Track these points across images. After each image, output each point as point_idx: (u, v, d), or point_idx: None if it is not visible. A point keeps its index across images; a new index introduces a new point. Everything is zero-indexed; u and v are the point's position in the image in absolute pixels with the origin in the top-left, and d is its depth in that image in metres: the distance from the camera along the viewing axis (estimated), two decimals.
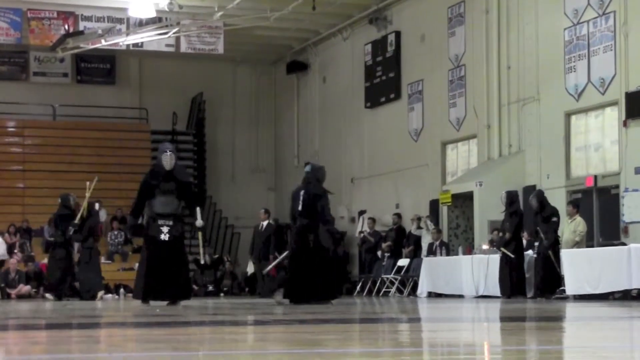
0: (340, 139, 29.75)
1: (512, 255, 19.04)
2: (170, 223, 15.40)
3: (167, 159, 15.54)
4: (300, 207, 15.78)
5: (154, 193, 15.45)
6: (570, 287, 17.55)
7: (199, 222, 16.17)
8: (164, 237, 15.33)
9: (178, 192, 15.49)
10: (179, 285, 15.47)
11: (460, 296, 20.82)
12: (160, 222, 15.37)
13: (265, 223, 24.38)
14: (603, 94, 20.00)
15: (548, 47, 21.45)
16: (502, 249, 19.30)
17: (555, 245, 18.59)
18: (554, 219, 18.71)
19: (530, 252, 19.48)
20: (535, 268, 18.95)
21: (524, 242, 19.67)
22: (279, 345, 6.63)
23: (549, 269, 18.44)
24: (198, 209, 16.13)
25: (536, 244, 19.06)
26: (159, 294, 15.36)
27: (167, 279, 15.25)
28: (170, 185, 15.46)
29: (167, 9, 26.10)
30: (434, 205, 24.34)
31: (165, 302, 15.34)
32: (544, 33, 21.60)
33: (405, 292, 23.41)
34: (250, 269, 24.78)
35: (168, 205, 15.40)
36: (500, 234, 19.68)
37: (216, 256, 29.70)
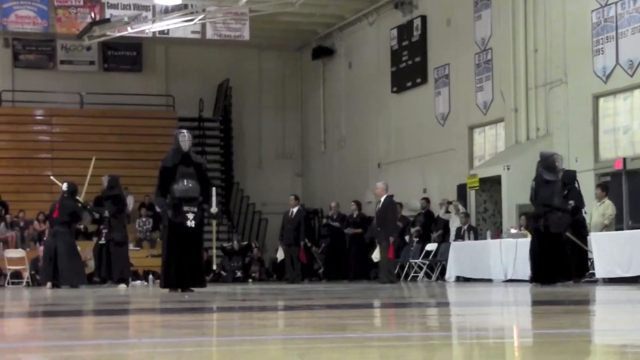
0: (366, 124, 29.70)
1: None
2: (195, 209, 14.99)
3: (185, 140, 15.16)
4: (530, 196, 17.40)
5: (174, 177, 15.02)
6: (600, 270, 17.45)
7: (214, 208, 15.49)
8: (190, 223, 14.91)
9: (198, 176, 15.11)
10: (197, 273, 15.21)
11: (489, 280, 20.76)
12: (185, 207, 14.92)
13: (295, 209, 24.39)
14: (632, 76, 19.85)
15: (575, 30, 21.30)
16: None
17: (577, 228, 18.25)
18: (571, 202, 18.40)
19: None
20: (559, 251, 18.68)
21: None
22: (308, 330, 6.63)
23: (576, 253, 18.24)
24: (214, 192, 15.47)
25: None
26: (180, 282, 15.04)
27: (188, 266, 14.97)
28: (191, 169, 15.09)
29: None
30: (462, 189, 24.26)
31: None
32: (571, 15, 21.44)
33: (434, 276, 23.38)
34: (280, 255, 24.76)
35: (191, 190, 14.95)
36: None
37: (244, 243, 29.73)
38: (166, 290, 15.35)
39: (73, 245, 21.58)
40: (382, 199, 20.92)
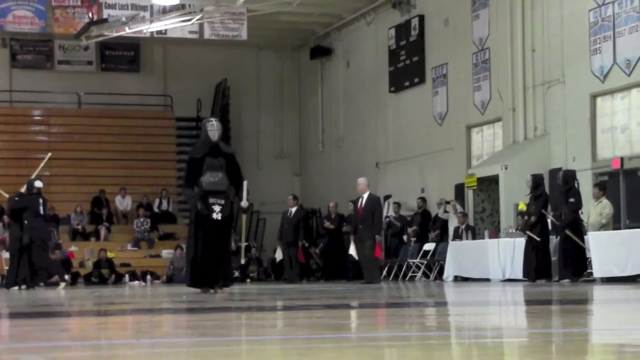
0: (364, 123, 29.71)
1: (538, 238, 18.96)
2: (222, 202, 14.26)
3: (214, 129, 14.34)
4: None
5: (201, 169, 14.27)
6: (598, 269, 17.48)
7: (245, 202, 14.73)
8: (217, 216, 14.21)
9: (227, 167, 14.39)
10: (224, 272, 14.52)
11: (487, 280, 20.77)
12: (211, 199, 14.21)
13: (294, 209, 24.38)
14: (629, 75, 19.87)
15: (573, 29, 21.31)
16: (528, 232, 19.22)
17: (575, 226, 18.42)
18: (571, 199, 18.51)
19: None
20: (558, 250, 18.83)
21: (549, 224, 19.55)
22: (306, 330, 6.64)
23: (573, 252, 18.31)
24: (245, 185, 14.71)
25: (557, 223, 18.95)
26: (206, 280, 14.35)
27: (215, 263, 14.28)
28: (219, 160, 14.34)
29: None
30: (460, 189, 24.28)
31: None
32: (569, 15, 21.46)
33: (432, 276, 23.39)
34: (279, 255, 24.71)
35: (218, 182, 14.25)
36: (526, 217, 19.59)
37: (245, 243, 29.50)
38: (192, 290, 14.55)
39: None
40: (365, 196, 20.60)
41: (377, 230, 20.59)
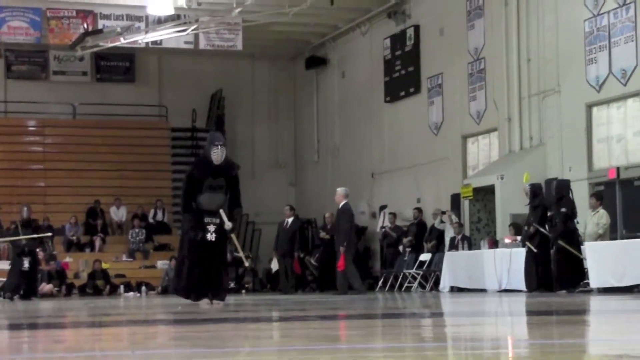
0: (360, 133, 29.70)
1: (535, 250, 18.93)
2: (217, 221, 14.09)
3: (218, 153, 14.12)
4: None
5: (201, 187, 14.11)
6: (595, 280, 17.46)
7: (228, 224, 14.20)
8: (211, 237, 14.06)
9: (227, 187, 14.22)
10: (217, 286, 14.27)
11: (483, 290, 20.75)
12: (207, 219, 14.09)
13: (290, 220, 24.34)
14: (625, 84, 19.89)
15: (568, 39, 21.34)
16: (527, 242, 19.18)
17: (570, 237, 18.39)
18: (563, 209, 18.50)
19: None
20: (553, 261, 18.79)
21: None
22: (301, 341, 6.62)
23: (570, 262, 18.29)
24: (221, 212, 14.30)
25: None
26: (200, 293, 14.17)
27: (208, 279, 14.10)
28: (220, 181, 14.17)
29: (185, 6, 26.16)
30: (456, 199, 24.26)
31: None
32: (564, 25, 21.49)
33: (428, 287, 23.36)
34: (275, 265, 24.65)
35: (215, 202, 14.11)
36: (525, 227, 19.56)
37: (240, 255, 29.37)
38: (187, 301, 14.42)
39: None
40: (340, 206, 20.66)
41: (340, 241, 20.54)
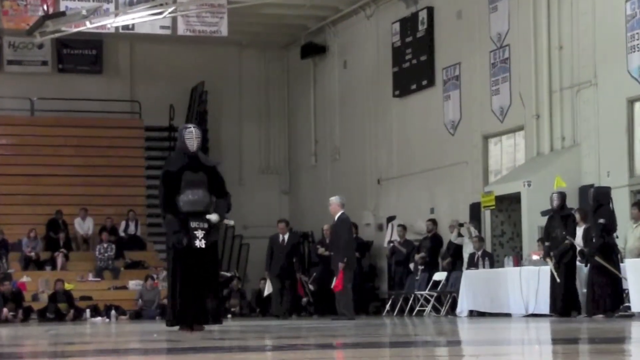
0: (364, 133, 29.74)
1: (558, 280, 19.01)
2: (206, 225, 13.93)
3: (193, 137, 14.05)
4: None
5: (179, 185, 13.95)
6: (636, 303, 17.47)
7: (214, 217, 14.07)
8: (199, 243, 13.92)
9: (209, 183, 14.09)
10: (211, 307, 14.13)
11: (507, 315, 20.78)
12: (193, 224, 13.91)
13: (286, 236, 24.22)
14: None
15: (607, 23, 21.38)
16: (552, 268, 19.19)
17: (608, 252, 18.40)
18: (601, 220, 18.49)
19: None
20: (587, 280, 18.81)
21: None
22: None
23: (607, 282, 18.31)
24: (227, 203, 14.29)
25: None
26: (191, 317, 14.05)
27: (199, 297, 13.97)
28: (200, 175, 14.06)
29: None
30: (475, 209, 24.30)
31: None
32: (602, 7, 21.53)
33: (443, 310, 23.39)
34: (269, 288, 24.25)
35: (199, 201, 13.96)
36: (547, 243, 19.57)
37: (229, 274, 29.27)
38: (172, 329, 14.34)
39: None
40: (336, 218, 20.62)
41: (339, 257, 20.35)
